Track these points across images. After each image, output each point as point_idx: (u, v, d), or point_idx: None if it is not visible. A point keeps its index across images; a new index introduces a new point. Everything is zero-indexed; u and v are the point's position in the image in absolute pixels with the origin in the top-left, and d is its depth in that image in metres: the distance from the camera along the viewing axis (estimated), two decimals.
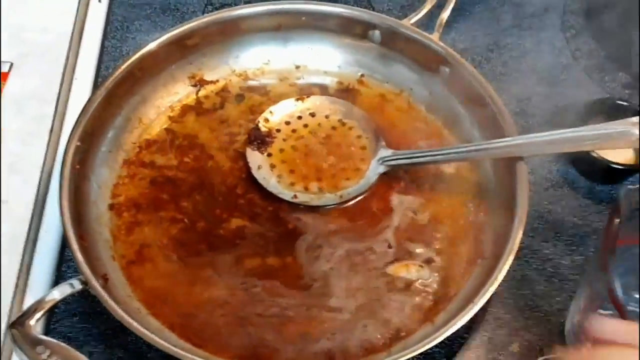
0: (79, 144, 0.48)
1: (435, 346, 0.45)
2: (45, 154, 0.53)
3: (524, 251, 0.49)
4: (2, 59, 0.59)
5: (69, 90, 0.58)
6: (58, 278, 0.48)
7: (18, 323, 0.38)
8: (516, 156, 0.48)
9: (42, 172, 0.52)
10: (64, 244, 0.49)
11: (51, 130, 0.55)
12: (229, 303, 0.46)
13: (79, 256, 0.42)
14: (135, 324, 0.40)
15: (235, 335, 0.44)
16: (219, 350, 0.44)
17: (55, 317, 0.46)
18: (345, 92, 0.58)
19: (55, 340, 0.38)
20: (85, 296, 0.45)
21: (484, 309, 0.49)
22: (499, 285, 0.42)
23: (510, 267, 0.43)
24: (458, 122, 0.55)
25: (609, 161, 0.54)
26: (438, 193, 0.52)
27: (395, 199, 0.52)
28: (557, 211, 0.52)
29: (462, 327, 0.42)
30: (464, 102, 0.55)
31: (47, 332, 0.45)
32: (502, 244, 0.45)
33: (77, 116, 0.50)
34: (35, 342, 0.37)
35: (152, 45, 0.54)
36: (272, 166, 0.53)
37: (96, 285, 0.41)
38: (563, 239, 0.51)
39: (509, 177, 0.48)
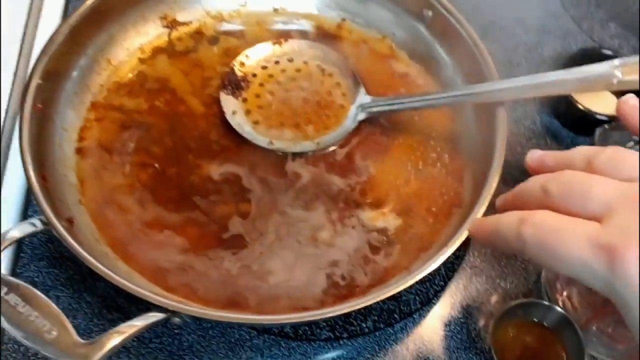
0: (40, 82, 0.46)
1: (411, 293, 0.45)
2: (10, 96, 0.51)
3: None
4: None
5: (35, 28, 0.55)
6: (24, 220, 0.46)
7: None
8: (497, 101, 0.46)
9: (6, 114, 0.50)
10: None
11: (16, 70, 0.52)
12: (200, 249, 0.44)
13: (40, 195, 0.40)
14: (101, 266, 0.39)
15: (205, 281, 0.43)
16: (190, 294, 0.42)
17: (22, 261, 0.45)
18: (325, 37, 0.56)
19: (13, 279, 0.36)
20: (52, 240, 0.44)
21: (460, 258, 0.49)
22: None
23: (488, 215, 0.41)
24: (440, 68, 0.53)
25: (592, 112, 0.53)
26: (418, 141, 0.50)
27: (373, 146, 0.50)
28: None
29: (438, 275, 0.42)
30: (447, 47, 0.53)
31: (13, 276, 0.44)
32: (479, 192, 0.43)
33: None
34: None
35: None
36: (248, 112, 0.51)
37: (57, 224, 0.39)
38: None
39: (489, 123, 0.47)
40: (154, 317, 0.37)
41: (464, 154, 0.49)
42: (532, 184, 0.34)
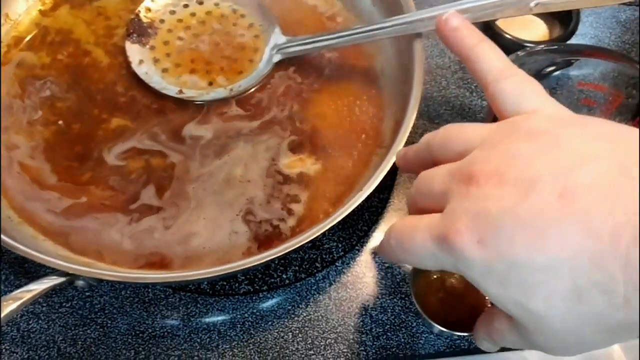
0: None
1: (333, 240, 0.44)
2: None
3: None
4: None
5: None
6: None
7: None
8: (414, 33, 0.45)
9: None
10: None
11: None
12: (107, 207, 0.43)
13: None
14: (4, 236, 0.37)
15: (112, 241, 0.42)
16: (98, 256, 0.41)
17: None
18: None
19: None
20: None
21: (384, 201, 0.48)
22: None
23: None
24: (358, 2, 0.51)
25: (518, 39, 0.52)
26: (336, 82, 0.49)
27: (291, 90, 0.48)
28: (464, 95, 0.50)
29: (362, 220, 0.40)
30: None
31: None
32: (399, 131, 0.42)
33: None
34: None
35: None
36: (156, 60, 0.49)
37: None
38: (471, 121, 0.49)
39: (408, 58, 0.45)
40: (51, 280, 0.36)
41: (384, 93, 0.48)
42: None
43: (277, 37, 0.50)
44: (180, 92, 0.47)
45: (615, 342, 0.27)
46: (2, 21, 0.49)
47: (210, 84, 0.48)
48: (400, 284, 0.44)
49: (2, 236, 0.37)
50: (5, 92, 0.47)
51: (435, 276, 0.42)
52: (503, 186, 0.26)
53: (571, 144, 0.26)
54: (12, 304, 0.35)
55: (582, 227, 0.24)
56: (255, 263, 0.37)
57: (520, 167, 0.26)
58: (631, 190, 0.24)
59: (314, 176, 0.45)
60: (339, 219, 0.38)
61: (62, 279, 0.36)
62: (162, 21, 0.50)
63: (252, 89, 0.48)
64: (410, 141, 0.41)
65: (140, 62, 0.48)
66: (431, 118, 0.43)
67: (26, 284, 0.39)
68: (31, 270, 0.43)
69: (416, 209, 0.31)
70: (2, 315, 0.34)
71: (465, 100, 0.51)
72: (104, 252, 0.41)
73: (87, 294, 0.43)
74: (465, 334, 0.40)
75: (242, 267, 0.37)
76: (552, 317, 0.26)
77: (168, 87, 0.47)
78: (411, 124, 0.41)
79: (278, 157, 0.45)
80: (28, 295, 0.35)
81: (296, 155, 0.45)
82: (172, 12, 0.51)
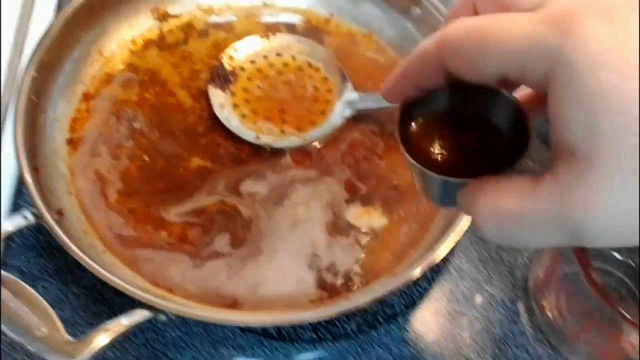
0: (35, 74, 0.47)
1: (395, 294, 0.46)
2: (6, 85, 0.52)
3: None
4: None
5: (30, 16, 0.56)
6: (14, 210, 0.47)
7: None
8: None
9: None
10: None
11: (10, 58, 0.53)
12: (186, 243, 0.46)
13: (32, 188, 0.41)
14: (87, 259, 0.40)
15: (190, 276, 0.44)
16: (174, 288, 0.44)
17: (11, 251, 0.46)
18: (313, 31, 0.57)
19: (3, 272, 0.37)
20: (41, 231, 0.45)
21: (445, 260, 0.50)
22: (462, 236, 0.42)
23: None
24: None
25: None
26: None
27: (360, 143, 0.51)
28: (527, 163, 0.52)
29: (423, 277, 0.42)
30: None
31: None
32: None
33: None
34: None
35: None
36: (235, 105, 0.52)
37: (48, 217, 0.40)
38: None
39: None
40: (141, 315, 0.38)
41: None
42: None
43: (349, 92, 0.53)
44: (257, 138, 0.50)
45: None
46: (96, 58, 0.53)
47: (285, 131, 0.51)
48: (462, 346, 0.45)
49: (95, 264, 0.40)
50: (96, 127, 0.50)
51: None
52: None
53: None
54: (105, 336, 0.37)
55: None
56: (323, 316, 0.39)
57: None
58: None
59: (380, 230, 0.47)
60: (407, 280, 0.41)
61: (150, 315, 0.39)
62: (242, 69, 0.54)
63: (324, 140, 0.51)
64: None
65: (221, 106, 0.52)
66: None
67: (104, 312, 0.42)
68: (109, 298, 0.45)
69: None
70: (96, 348, 0.36)
71: (527, 168, 0.53)
72: (178, 285, 0.44)
73: (160, 327, 0.45)
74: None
75: (309, 319, 0.39)
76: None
77: (246, 132, 0.51)
78: None
79: (346, 208, 0.48)
80: (119, 329, 0.38)
81: (364, 207, 0.48)
82: (252, 62, 0.54)
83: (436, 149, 0.27)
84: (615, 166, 0.20)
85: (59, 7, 0.58)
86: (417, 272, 0.41)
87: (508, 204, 0.22)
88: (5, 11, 0.55)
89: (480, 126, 0.26)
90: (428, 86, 0.25)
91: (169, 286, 0.44)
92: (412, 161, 0.26)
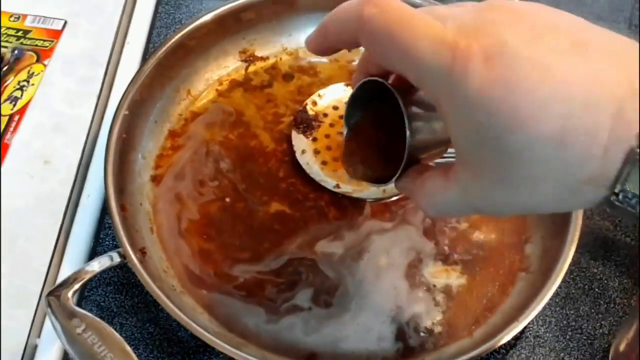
0: (126, 112, 0.48)
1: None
2: (92, 117, 0.53)
3: (571, 267, 0.48)
4: (55, 16, 0.59)
5: (120, 54, 0.57)
6: (96, 245, 0.48)
7: (55, 292, 0.38)
8: None
9: (87, 135, 0.52)
10: (105, 210, 0.49)
11: (99, 94, 0.54)
12: (263, 289, 0.45)
13: (120, 229, 0.42)
14: (168, 302, 0.40)
15: (266, 325, 0.44)
16: (248, 336, 0.43)
17: (90, 284, 0.46)
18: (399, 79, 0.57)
19: (90, 315, 0.38)
20: (120, 266, 0.45)
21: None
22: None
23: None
24: None
25: None
26: None
27: None
28: (609, 229, 0.50)
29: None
30: None
31: (80, 299, 0.45)
32: (550, 261, 0.43)
33: (126, 82, 0.50)
34: (71, 314, 0.37)
35: (207, 17, 0.53)
36: (317, 152, 0.52)
37: (135, 260, 0.41)
38: (613, 259, 0.49)
39: None
40: None
41: (532, 217, 0.49)
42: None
43: None
44: (337, 186, 0.50)
45: (570, 206, 0.28)
46: (183, 96, 0.54)
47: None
48: None
49: (177, 310, 0.40)
50: (180, 165, 0.51)
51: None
52: (520, 23, 0.26)
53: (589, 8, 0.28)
54: None
55: (588, 73, 0.24)
56: None
57: (540, 14, 0.27)
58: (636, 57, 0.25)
59: (458, 290, 0.46)
60: (488, 349, 0.39)
61: None
62: (325, 115, 0.54)
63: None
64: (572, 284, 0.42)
65: (303, 152, 0.52)
66: (593, 254, 0.44)
67: (179, 352, 0.42)
68: (184, 340, 0.45)
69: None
70: None
71: (609, 235, 0.51)
72: (253, 333, 0.44)
73: None
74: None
75: None
76: (524, 159, 0.25)
77: (326, 179, 0.50)
78: (568, 263, 0.42)
79: (424, 265, 0.47)
80: None
81: (442, 265, 0.47)
82: (335, 108, 0.54)
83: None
84: (487, 171, 0.27)
85: (148, 45, 0.59)
86: (499, 341, 0.40)
87: (433, 195, 0.31)
88: (98, 48, 0.57)
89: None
90: (342, 45, 0.31)
91: (243, 333, 0.44)
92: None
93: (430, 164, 0.36)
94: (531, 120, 0.25)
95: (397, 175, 0.33)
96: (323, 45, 0.33)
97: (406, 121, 0.31)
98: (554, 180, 0.26)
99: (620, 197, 0.25)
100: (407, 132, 0.31)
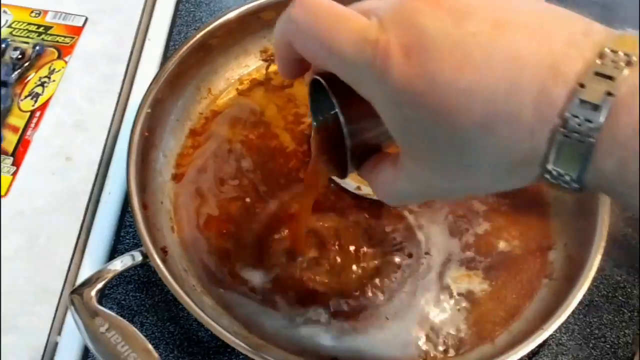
0: (149, 111, 0.47)
1: None
2: (113, 115, 0.53)
3: (594, 274, 0.47)
4: (76, 13, 0.58)
5: (141, 51, 0.57)
6: (117, 243, 0.48)
7: (78, 291, 0.38)
8: None
9: (108, 132, 0.52)
10: (125, 208, 0.49)
11: (120, 91, 0.54)
12: (283, 289, 0.45)
13: (142, 228, 0.42)
14: (190, 301, 0.40)
15: (285, 329, 0.44)
16: (267, 338, 0.43)
17: (111, 283, 0.46)
18: None
19: (113, 314, 0.37)
20: (141, 264, 0.45)
21: None
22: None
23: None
24: None
25: None
26: (511, 203, 0.50)
27: (462, 203, 0.50)
28: (634, 237, 0.50)
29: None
30: None
31: (101, 297, 0.45)
32: (575, 268, 0.43)
33: (146, 79, 0.50)
34: (94, 313, 0.37)
35: (229, 16, 0.53)
36: None
37: (157, 260, 0.41)
38: (637, 266, 0.49)
39: (590, 195, 0.46)
40: None
41: (555, 222, 0.49)
42: None
43: None
44: (359, 188, 0.50)
45: (510, 185, 0.27)
46: (204, 95, 0.54)
47: None
48: None
49: (199, 310, 0.39)
50: (200, 164, 0.51)
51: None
52: (440, 9, 0.25)
53: None
54: None
55: (508, 55, 0.24)
56: None
57: None
58: (561, 31, 0.24)
59: (480, 295, 0.46)
60: (513, 358, 0.39)
61: None
62: None
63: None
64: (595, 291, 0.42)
65: None
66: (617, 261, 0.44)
67: (199, 352, 0.42)
68: (204, 340, 0.45)
69: None
70: None
71: (633, 243, 0.51)
72: (272, 333, 0.43)
73: None
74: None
75: None
76: (455, 148, 0.26)
77: (347, 181, 0.50)
78: (594, 270, 0.42)
79: (446, 270, 0.46)
80: None
81: (465, 270, 0.47)
82: None
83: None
84: (426, 161, 0.28)
85: (168, 42, 0.59)
86: (523, 348, 0.39)
87: (384, 184, 0.31)
88: (119, 45, 0.56)
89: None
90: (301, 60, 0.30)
91: (262, 335, 0.43)
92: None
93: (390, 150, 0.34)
94: (455, 110, 0.25)
95: (347, 171, 0.33)
96: (288, 67, 0.32)
97: (342, 120, 0.30)
98: (488, 165, 0.26)
99: (554, 174, 0.25)
100: (345, 130, 0.30)
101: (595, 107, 0.23)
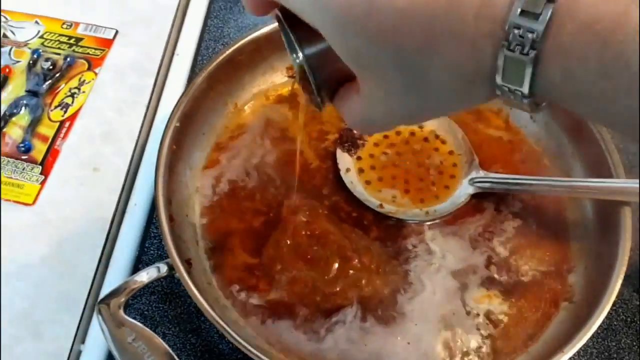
0: (177, 124, 0.48)
1: None
2: (141, 127, 0.54)
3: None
4: (107, 26, 0.60)
5: (169, 65, 0.58)
6: (141, 254, 0.49)
7: (106, 301, 0.39)
8: (621, 200, 0.46)
9: (136, 144, 0.53)
10: (150, 220, 0.50)
11: (148, 104, 0.55)
12: (305, 306, 0.45)
13: (169, 240, 0.42)
14: (213, 314, 0.40)
15: (305, 341, 0.44)
16: (286, 351, 0.44)
17: (134, 293, 0.47)
18: None
19: (140, 324, 0.38)
20: (165, 276, 0.46)
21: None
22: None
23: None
24: (560, 152, 0.53)
25: None
26: (529, 224, 0.50)
27: (483, 223, 0.50)
28: None
29: None
30: (569, 131, 0.52)
31: (125, 307, 0.46)
32: (595, 292, 0.43)
33: (175, 92, 0.52)
34: (120, 323, 0.38)
35: (257, 33, 0.54)
36: (361, 170, 0.52)
37: (183, 272, 0.41)
38: None
39: (610, 220, 0.46)
40: None
41: (574, 245, 0.49)
42: None
43: (475, 170, 0.52)
44: (381, 206, 0.50)
45: (467, 105, 0.27)
46: (230, 109, 0.55)
47: (408, 203, 0.51)
48: None
49: (219, 320, 0.40)
50: (225, 177, 0.51)
51: None
52: None
53: None
54: None
55: None
56: None
57: None
58: None
59: (500, 316, 0.46)
60: None
61: None
62: (369, 135, 0.54)
63: (447, 216, 0.50)
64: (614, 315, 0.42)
65: (347, 170, 0.52)
66: (636, 286, 0.44)
67: None
68: (225, 352, 0.45)
69: None
70: None
71: None
72: (293, 349, 0.44)
73: None
74: None
75: None
76: (403, 71, 0.26)
77: (370, 199, 0.51)
78: (615, 295, 0.42)
79: (467, 290, 0.47)
80: None
81: (484, 290, 0.47)
82: None
83: None
84: (379, 85, 0.28)
85: (196, 57, 0.60)
86: None
87: (351, 111, 0.31)
88: (148, 59, 0.58)
89: None
90: None
91: (284, 348, 0.44)
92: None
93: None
94: (395, 33, 0.25)
95: (323, 104, 0.34)
96: (254, 3, 0.32)
97: (301, 55, 0.31)
98: (438, 84, 0.26)
99: (505, 89, 0.25)
100: (306, 65, 0.31)
101: (536, 16, 0.23)
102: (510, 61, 0.24)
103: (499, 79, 0.25)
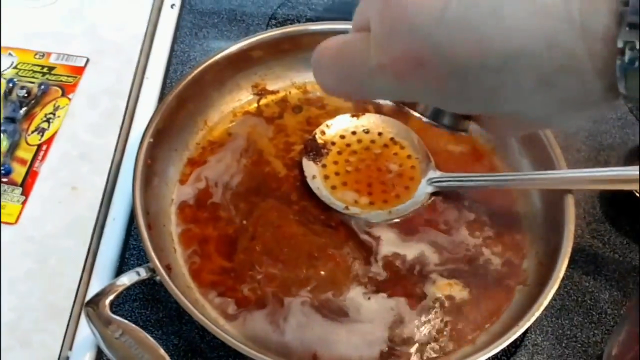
0: (151, 140, 0.51)
1: None
2: (116, 146, 0.57)
3: (564, 282, 0.51)
4: (78, 54, 0.63)
5: (140, 88, 0.61)
6: (122, 265, 0.51)
7: (93, 302, 0.41)
8: (565, 189, 0.50)
9: (111, 163, 0.56)
10: (129, 232, 0.53)
11: (122, 125, 0.58)
12: (281, 306, 0.48)
13: (148, 245, 0.45)
14: (197, 312, 0.43)
15: (282, 337, 0.47)
16: (264, 346, 0.46)
17: (118, 301, 0.49)
18: (398, 112, 0.61)
19: (125, 321, 0.41)
20: (146, 284, 0.48)
21: (522, 335, 0.51)
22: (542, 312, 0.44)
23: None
24: (507, 149, 0.57)
25: None
26: (484, 218, 0.54)
27: (441, 219, 0.54)
28: (598, 246, 0.55)
29: (500, 351, 0.44)
30: None
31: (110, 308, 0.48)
32: (545, 273, 0.47)
33: (146, 113, 0.54)
34: (108, 321, 0.40)
35: (219, 56, 0.57)
36: (326, 177, 0.56)
37: (163, 273, 0.44)
38: (603, 273, 0.53)
39: (556, 208, 0.50)
40: None
41: (526, 234, 0.53)
42: None
43: (432, 171, 0.56)
44: (346, 208, 0.54)
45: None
46: (200, 127, 0.58)
47: (372, 203, 0.54)
48: None
49: (201, 317, 0.43)
50: (198, 189, 0.54)
51: None
52: None
53: None
54: None
55: (534, 7, 0.22)
56: None
57: None
58: None
59: (460, 302, 0.49)
60: (491, 354, 0.43)
61: None
62: (333, 143, 0.58)
63: (408, 215, 0.54)
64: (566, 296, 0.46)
65: (313, 177, 0.55)
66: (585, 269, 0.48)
67: None
68: (205, 351, 0.48)
69: None
70: None
71: (598, 251, 0.55)
72: (274, 343, 0.47)
73: None
74: None
75: None
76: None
77: (335, 202, 0.54)
78: (562, 273, 0.46)
79: (428, 279, 0.50)
80: None
81: (445, 280, 0.51)
82: (342, 137, 0.58)
83: None
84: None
85: (165, 80, 0.63)
86: (502, 344, 0.43)
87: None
88: (119, 83, 0.61)
89: None
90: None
91: (260, 343, 0.47)
92: None
93: None
94: (501, 87, 0.25)
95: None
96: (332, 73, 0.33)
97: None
98: (570, 111, 0.26)
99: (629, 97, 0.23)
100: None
101: None
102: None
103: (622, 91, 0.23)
